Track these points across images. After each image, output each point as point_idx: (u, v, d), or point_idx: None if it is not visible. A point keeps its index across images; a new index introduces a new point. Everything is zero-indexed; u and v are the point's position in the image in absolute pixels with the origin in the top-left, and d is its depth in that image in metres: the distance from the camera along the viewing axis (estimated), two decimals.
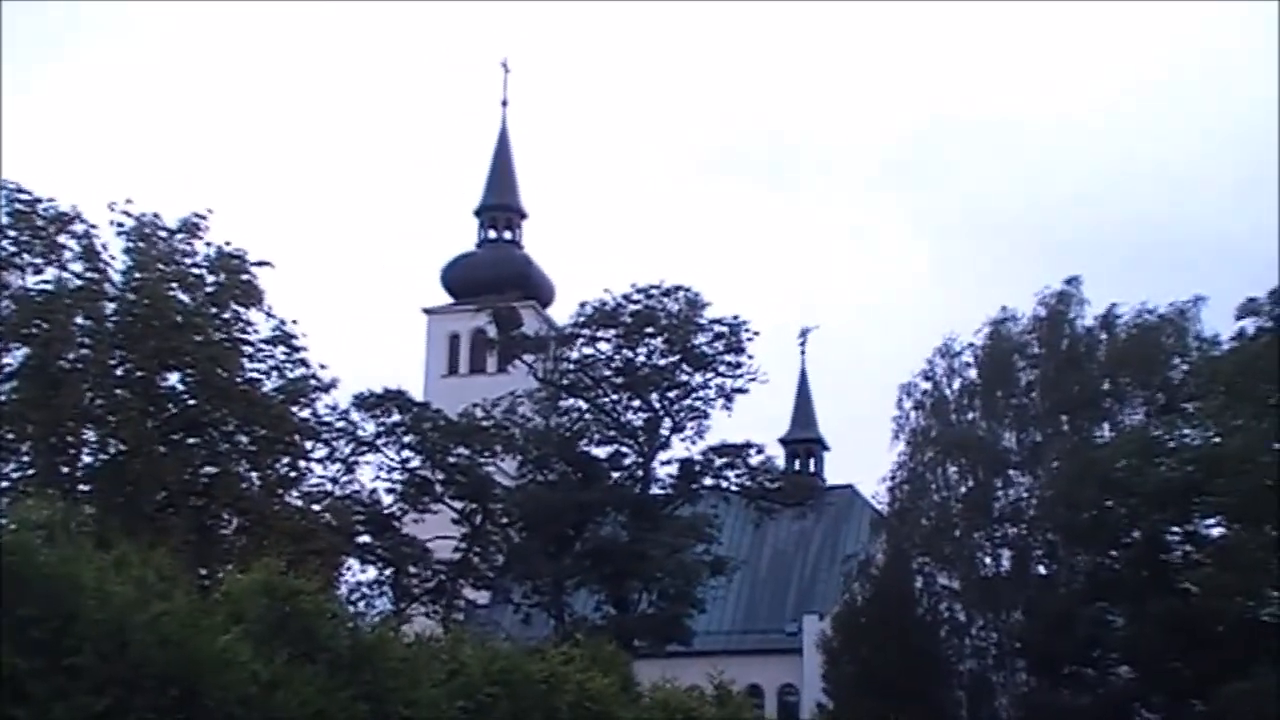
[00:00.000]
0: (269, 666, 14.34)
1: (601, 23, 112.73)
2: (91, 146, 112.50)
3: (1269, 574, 34.01)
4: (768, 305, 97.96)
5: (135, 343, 31.62)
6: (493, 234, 72.60)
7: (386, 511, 45.00)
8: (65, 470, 31.41)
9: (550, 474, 43.74)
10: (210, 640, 13.73)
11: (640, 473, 43.69)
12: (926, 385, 42.63)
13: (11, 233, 31.99)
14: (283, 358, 34.07)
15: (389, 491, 44.97)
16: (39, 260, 32.12)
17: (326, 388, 35.90)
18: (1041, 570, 41.41)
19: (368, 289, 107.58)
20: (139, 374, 31.84)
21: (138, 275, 32.20)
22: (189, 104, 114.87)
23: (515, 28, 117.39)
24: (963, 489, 41.59)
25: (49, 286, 32.02)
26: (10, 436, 31.52)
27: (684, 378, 43.29)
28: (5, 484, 30.74)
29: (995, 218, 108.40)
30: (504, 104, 73.17)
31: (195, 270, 32.95)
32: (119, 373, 32.00)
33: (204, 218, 33.02)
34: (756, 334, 43.28)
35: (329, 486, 41.35)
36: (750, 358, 43.21)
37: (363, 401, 44.02)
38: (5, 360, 31.89)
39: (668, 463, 43.99)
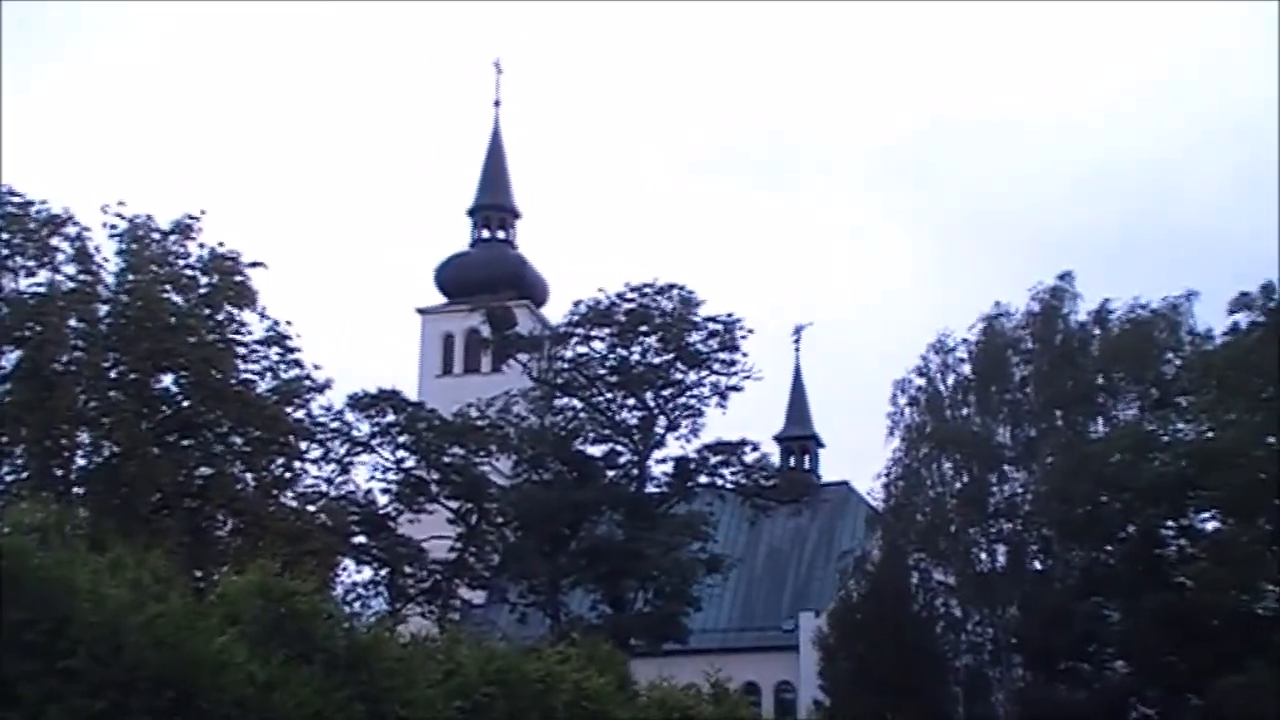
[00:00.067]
0: (265, 667, 14.36)
1: (596, 22, 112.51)
2: (90, 146, 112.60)
3: (1263, 568, 34.09)
4: (765, 304, 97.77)
5: (129, 345, 31.60)
6: (486, 234, 72.60)
7: (382, 512, 44.94)
8: (59, 473, 31.39)
9: (545, 473, 43.67)
10: (206, 642, 13.74)
11: (635, 471, 43.63)
12: (921, 381, 42.58)
13: (4, 235, 32.00)
14: (277, 359, 34.09)
15: (384, 492, 44.98)
16: (32, 263, 32.13)
17: (321, 388, 35.94)
18: (1037, 565, 41.42)
19: (362, 289, 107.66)
20: (133, 376, 31.81)
21: (131, 277, 32.19)
22: (185, 104, 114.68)
23: (508, 27, 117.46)
24: (957, 485, 41.55)
25: (42, 289, 32.02)
26: (4, 439, 31.52)
27: (678, 376, 43.24)
28: (0, 487, 30.73)
29: (994, 217, 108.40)
30: (497, 104, 73.35)
31: (188, 272, 32.95)
32: (113, 375, 31.99)
33: (197, 219, 33.10)
34: (751, 332, 43.33)
35: (324, 487, 41.35)
36: (744, 355, 43.26)
37: (357, 402, 43.96)
38: None
39: (663, 461, 44.03)
